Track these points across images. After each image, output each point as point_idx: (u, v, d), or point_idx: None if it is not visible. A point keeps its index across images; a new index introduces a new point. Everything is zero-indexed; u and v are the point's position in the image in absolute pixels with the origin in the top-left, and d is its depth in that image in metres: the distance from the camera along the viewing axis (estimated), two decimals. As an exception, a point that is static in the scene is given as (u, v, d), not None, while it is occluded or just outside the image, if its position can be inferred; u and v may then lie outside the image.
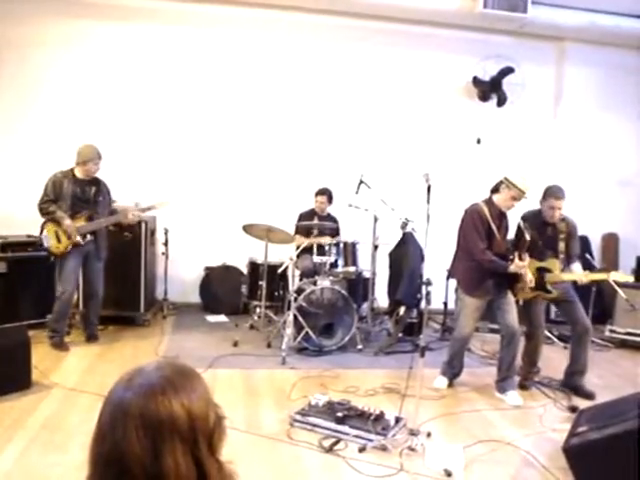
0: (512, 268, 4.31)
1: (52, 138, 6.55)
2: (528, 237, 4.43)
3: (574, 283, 4.57)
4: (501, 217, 4.53)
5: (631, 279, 4.38)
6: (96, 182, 5.32)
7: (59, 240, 5.09)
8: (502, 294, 4.48)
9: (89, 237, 5.19)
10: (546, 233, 4.58)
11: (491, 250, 4.39)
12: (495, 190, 4.49)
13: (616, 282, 4.38)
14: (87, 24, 6.58)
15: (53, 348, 5.08)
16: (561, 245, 4.56)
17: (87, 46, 6.62)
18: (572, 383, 4.63)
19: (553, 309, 6.10)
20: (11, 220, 6.10)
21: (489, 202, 4.50)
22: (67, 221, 5.04)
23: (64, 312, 5.17)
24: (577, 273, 4.46)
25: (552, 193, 4.48)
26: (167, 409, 1.03)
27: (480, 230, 4.40)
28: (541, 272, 4.47)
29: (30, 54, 6.48)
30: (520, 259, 4.31)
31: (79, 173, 5.19)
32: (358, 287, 6.04)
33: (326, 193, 6.27)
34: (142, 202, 5.74)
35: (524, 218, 4.61)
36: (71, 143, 6.21)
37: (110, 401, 1.07)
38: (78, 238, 5.08)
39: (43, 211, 5.08)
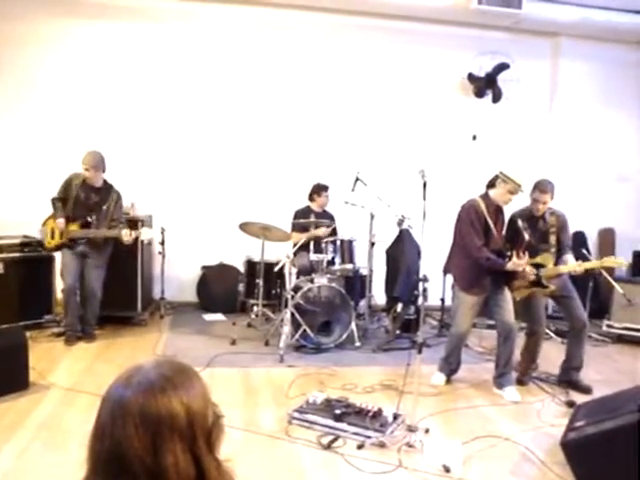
0: (509, 266, 4.29)
1: (45, 138, 6.52)
2: (527, 237, 4.43)
3: (573, 276, 4.58)
4: (497, 212, 4.53)
5: (624, 263, 4.42)
6: (105, 190, 5.37)
7: (52, 236, 5.31)
8: (499, 290, 4.48)
9: (83, 241, 5.25)
10: (537, 227, 4.59)
11: (488, 246, 4.38)
12: (491, 185, 4.48)
13: (610, 267, 4.43)
14: (80, 22, 6.55)
15: (64, 343, 5.26)
16: (552, 238, 4.56)
17: (81, 45, 6.59)
18: (568, 378, 4.65)
19: (551, 305, 6.11)
20: (2, 221, 6.07)
21: (485, 197, 4.48)
22: (58, 220, 5.23)
23: (67, 305, 5.28)
24: (571, 264, 4.46)
25: (537, 186, 4.50)
26: (166, 407, 1.03)
27: (477, 226, 4.39)
28: (535, 268, 4.47)
29: (22, 52, 6.45)
30: (518, 257, 4.31)
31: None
32: (355, 284, 6.04)
33: (328, 188, 6.27)
34: (137, 202, 5.74)
35: (515, 216, 4.61)
36: (64, 143, 6.24)
37: (109, 399, 1.07)
38: (65, 240, 5.24)
39: (52, 207, 5.33)
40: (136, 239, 5.34)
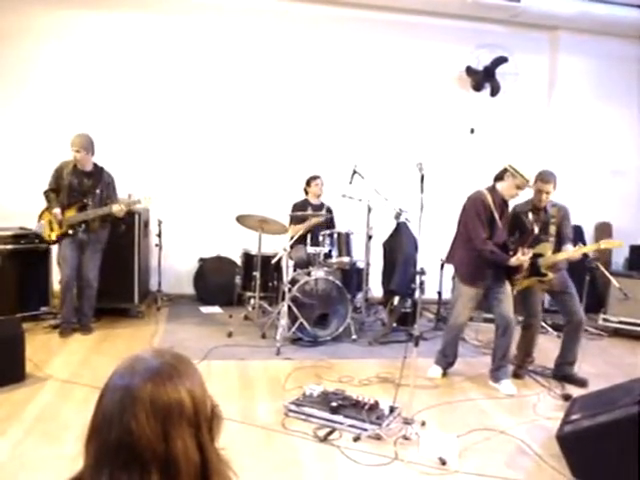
0: (513, 261, 4.28)
1: (42, 129, 6.49)
2: (537, 229, 4.43)
3: (569, 271, 4.58)
4: (503, 206, 4.50)
5: (621, 244, 4.60)
6: (97, 173, 5.33)
7: (52, 229, 5.27)
8: (499, 284, 4.47)
9: (81, 228, 5.21)
10: (539, 218, 4.58)
11: (492, 239, 4.37)
12: (499, 178, 4.45)
13: (606, 248, 4.57)
14: (77, 13, 6.51)
15: (59, 336, 5.24)
16: (552, 229, 4.56)
17: (78, 36, 6.55)
18: (562, 373, 4.67)
19: (547, 299, 6.11)
20: (1, 212, 6.05)
21: (492, 190, 4.45)
22: (54, 210, 5.19)
23: (63, 297, 5.28)
24: (568, 250, 4.47)
25: (539, 176, 4.49)
26: (175, 394, 1.04)
27: (483, 219, 4.36)
28: (533, 258, 4.46)
29: (19, 44, 6.41)
30: (522, 253, 4.28)
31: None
32: (352, 277, 6.03)
33: (320, 177, 6.27)
34: (134, 193, 5.72)
35: (519, 211, 4.60)
36: (62, 134, 6.17)
37: (114, 388, 1.06)
38: (65, 228, 5.20)
39: (46, 200, 5.29)
40: (131, 214, 5.53)
